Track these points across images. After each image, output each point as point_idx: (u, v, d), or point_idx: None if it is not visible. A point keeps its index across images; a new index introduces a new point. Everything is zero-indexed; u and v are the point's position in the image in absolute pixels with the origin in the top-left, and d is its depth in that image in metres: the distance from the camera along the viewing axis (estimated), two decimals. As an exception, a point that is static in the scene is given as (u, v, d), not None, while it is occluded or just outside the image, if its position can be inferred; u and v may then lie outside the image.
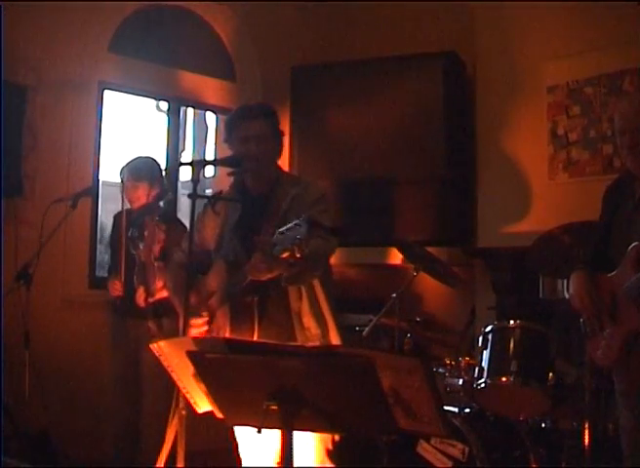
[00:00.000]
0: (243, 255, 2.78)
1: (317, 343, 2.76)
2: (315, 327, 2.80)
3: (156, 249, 3.67)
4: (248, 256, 2.69)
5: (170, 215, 3.99)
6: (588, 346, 2.71)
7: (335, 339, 2.89)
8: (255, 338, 2.74)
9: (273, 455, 2.69)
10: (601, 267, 2.67)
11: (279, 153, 2.98)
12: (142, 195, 3.85)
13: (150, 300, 3.67)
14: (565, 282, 3.00)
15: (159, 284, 3.68)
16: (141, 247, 3.68)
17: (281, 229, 2.37)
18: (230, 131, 2.94)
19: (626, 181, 2.72)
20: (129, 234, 3.78)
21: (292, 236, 2.31)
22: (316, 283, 2.84)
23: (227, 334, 2.76)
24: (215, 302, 2.86)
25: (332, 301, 2.90)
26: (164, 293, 3.68)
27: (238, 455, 2.96)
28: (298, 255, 2.33)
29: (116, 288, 3.86)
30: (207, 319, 2.89)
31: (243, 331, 2.76)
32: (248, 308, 2.76)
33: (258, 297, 2.76)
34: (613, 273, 2.60)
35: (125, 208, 3.90)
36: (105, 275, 4.19)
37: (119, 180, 3.95)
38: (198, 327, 2.88)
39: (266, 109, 2.99)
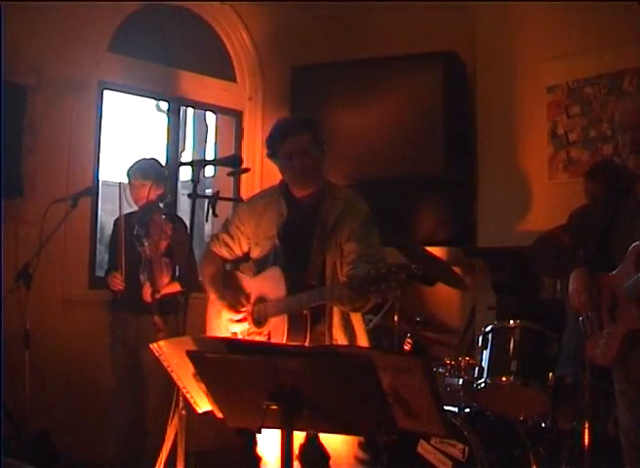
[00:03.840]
0: (289, 263, 2.87)
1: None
2: (343, 338, 2.86)
3: (163, 245, 3.74)
4: (295, 265, 2.83)
5: (173, 214, 4.07)
6: (587, 345, 2.71)
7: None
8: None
9: None
10: (602, 266, 2.66)
11: (323, 163, 2.98)
12: (147, 194, 3.88)
13: (157, 296, 3.72)
14: (559, 282, 3.00)
15: (165, 279, 3.76)
16: (147, 243, 3.73)
17: (378, 269, 2.43)
18: (274, 147, 2.96)
19: (627, 180, 2.72)
20: (134, 232, 3.80)
21: (387, 280, 2.40)
22: None
23: (285, 341, 2.79)
24: (270, 309, 2.87)
25: (362, 315, 2.98)
26: (170, 289, 3.79)
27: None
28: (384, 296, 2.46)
29: (117, 281, 3.86)
30: (245, 316, 2.95)
31: (295, 341, 2.79)
32: (302, 319, 2.81)
33: (310, 311, 2.82)
34: (613, 272, 2.60)
35: (123, 209, 3.93)
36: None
37: (125, 181, 3.99)
38: (236, 322, 2.95)
39: (306, 122, 2.98)
